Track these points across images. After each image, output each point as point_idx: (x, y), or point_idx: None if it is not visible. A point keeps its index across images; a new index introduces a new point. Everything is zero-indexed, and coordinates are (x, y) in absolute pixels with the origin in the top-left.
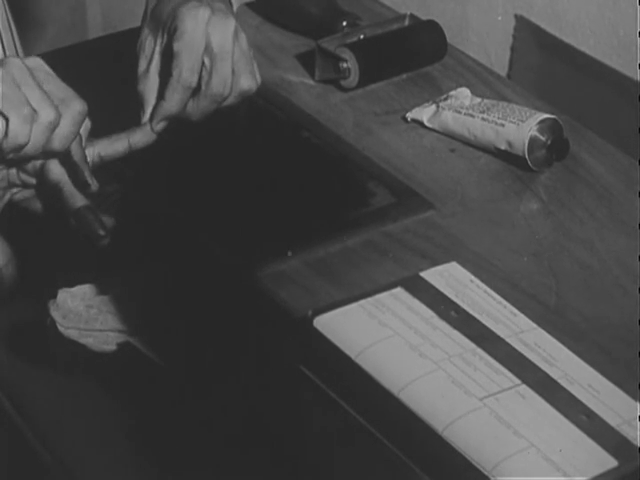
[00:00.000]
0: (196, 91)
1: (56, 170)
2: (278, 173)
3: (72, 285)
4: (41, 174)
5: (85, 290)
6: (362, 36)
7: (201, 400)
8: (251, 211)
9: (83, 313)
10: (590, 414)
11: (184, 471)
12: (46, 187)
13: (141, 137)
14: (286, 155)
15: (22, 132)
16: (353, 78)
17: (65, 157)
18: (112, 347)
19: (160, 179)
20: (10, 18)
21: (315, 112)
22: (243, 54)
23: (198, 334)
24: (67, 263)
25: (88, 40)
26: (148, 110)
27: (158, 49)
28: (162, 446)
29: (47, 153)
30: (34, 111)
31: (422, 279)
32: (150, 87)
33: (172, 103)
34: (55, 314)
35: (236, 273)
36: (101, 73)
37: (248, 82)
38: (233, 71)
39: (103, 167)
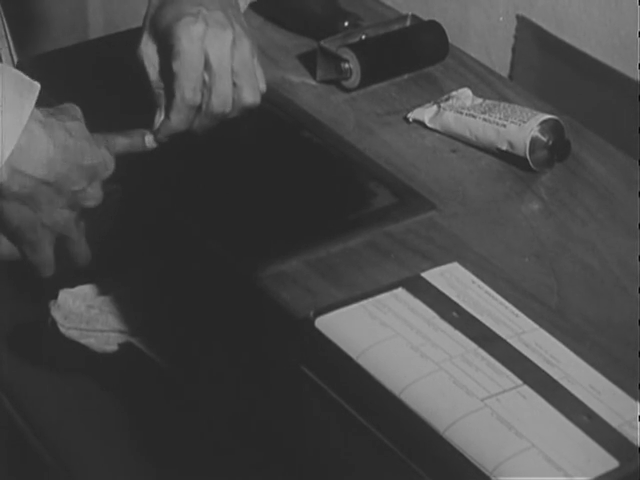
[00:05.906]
0: (199, 107)
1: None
2: (279, 173)
3: (73, 285)
4: None
5: (86, 290)
6: (364, 36)
7: (202, 400)
8: (252, 211)
9: (84, 313)
10: (591, 414)
11: (184, 471)
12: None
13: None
14: (287, 155)
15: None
16: (354, 78)
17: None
18: (113, 347)
19: (161, 179)
20: (5, 23)
21: (316, 112)
22: (244, 66)
23: (199, 334)
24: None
25: (89, 40)
26: (158, 121)
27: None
28: (162, 446)
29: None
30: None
31: (423, 280)
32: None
33: (177, 122)
34: (56, 314)
35: (237, 273)
36: (102, 73)
37: (250, 97)
38: (235, 84)
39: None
